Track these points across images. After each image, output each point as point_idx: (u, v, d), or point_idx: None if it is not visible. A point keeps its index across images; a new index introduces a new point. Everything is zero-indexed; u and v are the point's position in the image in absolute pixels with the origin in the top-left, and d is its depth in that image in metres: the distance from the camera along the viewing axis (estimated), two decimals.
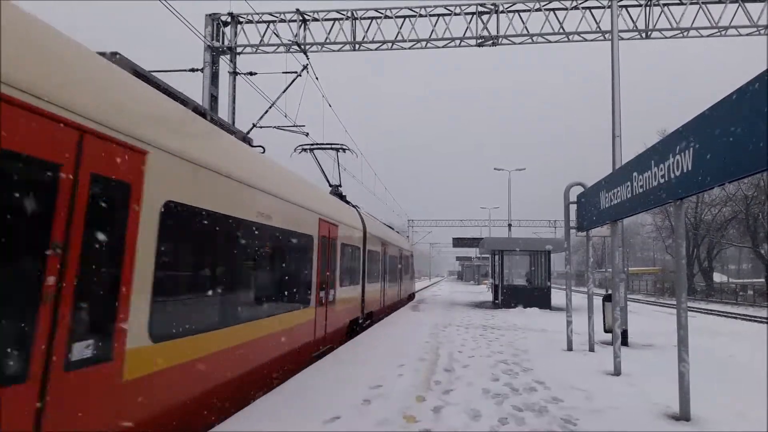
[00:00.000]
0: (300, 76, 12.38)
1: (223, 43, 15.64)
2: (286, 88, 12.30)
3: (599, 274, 54.89)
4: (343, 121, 16.14)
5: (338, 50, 15.91)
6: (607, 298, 10.48)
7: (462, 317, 15.54)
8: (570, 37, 15.08)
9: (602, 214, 7.76)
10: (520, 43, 15.49)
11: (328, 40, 15.69)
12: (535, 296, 19.52)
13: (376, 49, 15.95)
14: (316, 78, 12.59)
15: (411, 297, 24.69)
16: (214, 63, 15.27)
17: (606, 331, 10.03)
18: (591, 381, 6.48)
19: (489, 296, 26.54)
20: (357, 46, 15.73)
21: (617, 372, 6.97)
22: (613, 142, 10.61)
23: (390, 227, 19.74)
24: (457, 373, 6.90)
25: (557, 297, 21.31)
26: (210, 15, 15.68)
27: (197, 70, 14.02)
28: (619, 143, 10.58)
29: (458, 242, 42.34)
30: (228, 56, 15.64)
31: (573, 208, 9.72)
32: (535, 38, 15.21)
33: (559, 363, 7.77)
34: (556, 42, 15.31)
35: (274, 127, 12.90)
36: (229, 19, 15.77)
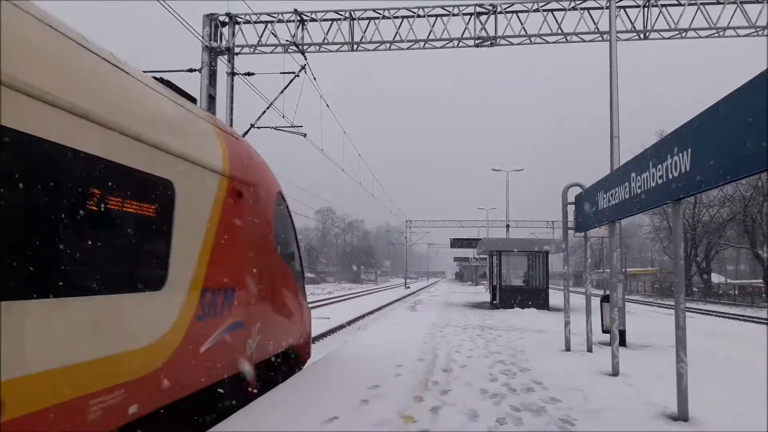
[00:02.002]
0: (298, 76, 12.40)
1: (220, 43, 15.61)
2: (284, 89, 12.32)
3: (597, 274, 54.96)
4: (342, 121, 16.15)
5: (336, 50, 15.88)
6: (605, 299, 10.48)
7: (459, 318, 15.53)
8: (568, 37, 15.08)
9: (600, 214, 7.76)
10: (518, 44, 15.50)
11: (326, 41, 15.66)
12: (533, 297, 19.51)
13: (374, 50, 15.94)
14: (314, 78, 12.60)
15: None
16: (212, 63, 15.24)
17: (604, 331, 10.02)
18: (589, 381, 6.47)
19: (487, 297, 26.53)
20: (355, 46, 15.70)
21: (615, 372, 6.96)
22: (611, 143, 10.61)
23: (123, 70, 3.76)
24: (454, 373, 6.88)
25: (555, 297, 21.35)
26: (208, 15, 15.66)
27: (195, 70, 14.02)
28: (617, 144, 10.59)
29: (456, 243, 42.64)
30: (226, 56, 15.61)
31: (571, 208, 9.72)
32: (533, 39, 15.21)
33: (557, 363, 7.76)
34: (554, 43, 15.33)
35: (272, 127, 12.92)
36: (227, 20, 15.72)
